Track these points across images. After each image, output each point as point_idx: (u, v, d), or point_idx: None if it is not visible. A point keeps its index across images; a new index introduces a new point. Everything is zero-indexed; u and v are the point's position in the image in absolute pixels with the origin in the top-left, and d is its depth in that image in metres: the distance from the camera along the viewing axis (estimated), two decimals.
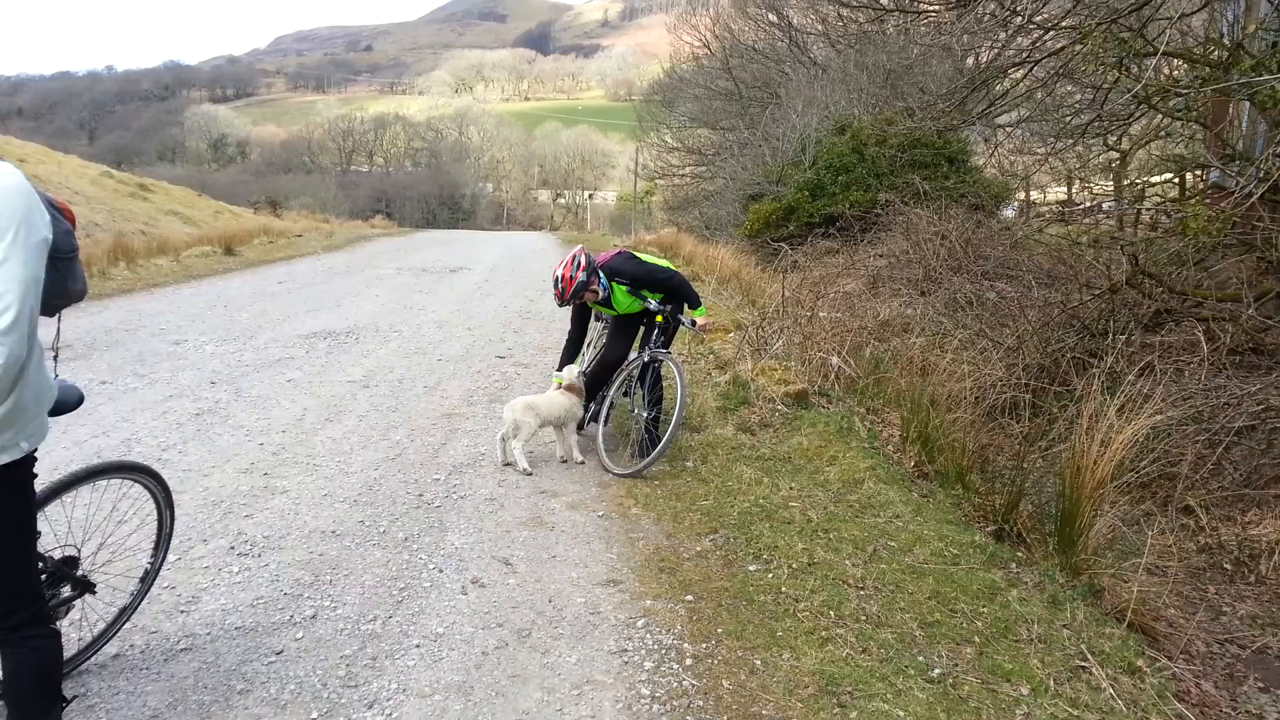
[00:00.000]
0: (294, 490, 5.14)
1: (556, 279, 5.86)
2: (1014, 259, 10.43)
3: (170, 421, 6.35)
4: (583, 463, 5.84)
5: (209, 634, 3.52)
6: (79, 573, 3.12)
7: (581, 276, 5.79)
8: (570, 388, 5.92)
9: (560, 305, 6.02)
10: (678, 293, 6.05)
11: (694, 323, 6.05)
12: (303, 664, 3.32)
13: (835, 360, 7.43)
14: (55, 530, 3.06)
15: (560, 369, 6.19)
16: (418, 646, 3.48)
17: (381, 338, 9.83)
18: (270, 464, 5.57)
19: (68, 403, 2.85)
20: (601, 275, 5.91)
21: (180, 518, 4.61)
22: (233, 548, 4.32)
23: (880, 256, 12.18)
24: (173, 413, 6.58)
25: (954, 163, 15.11)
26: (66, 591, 3.06)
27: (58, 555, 3.04)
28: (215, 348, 8.99)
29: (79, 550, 3.19)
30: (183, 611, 3.69)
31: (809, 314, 8.41)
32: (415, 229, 41.52)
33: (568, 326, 6.50)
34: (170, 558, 4.16)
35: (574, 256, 5.89)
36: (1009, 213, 16.06)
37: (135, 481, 3.42)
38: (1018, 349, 7.65)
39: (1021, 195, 17.91)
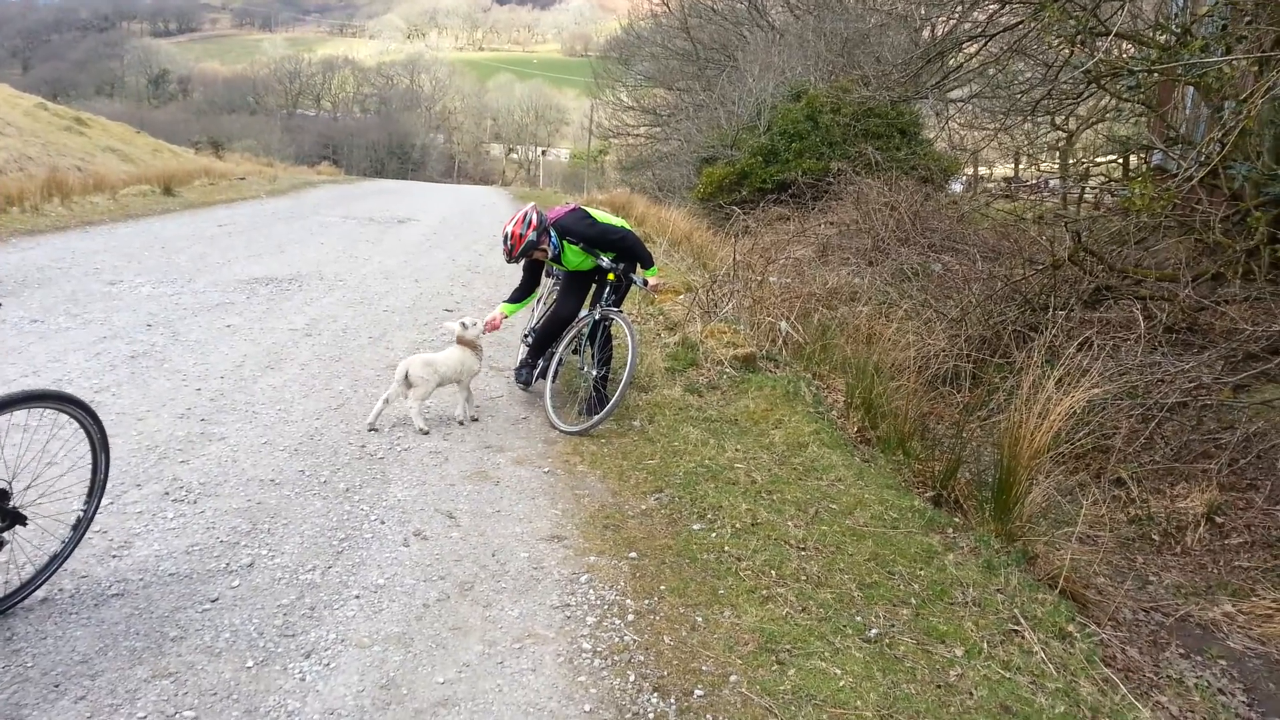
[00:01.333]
0: (232, 437, 5.03)
1: (506, 235, 5.77)
2: (960, 232, 10.60)
3: (104, 363, 6.15)
4: (476, 420, 5.75)
5: (142, 580, 3.43)
6: (9, 505, 3.02)
7: (531, 236, 5.70)
8: (468, 342, 5.77)
9: (509, 262, 5.94)
10: (631, 252, 5.99)
11: (645, 282, 6.01)
12: (238, 612, 3.27)
13: (784, 325, 7.48)
14: None
15: (509, 300, 6.15)
16: (357, 597, 3.45)
17: (325, 286, 9.62)
18: (208, 410, 5.43)
19: None
20: (553, 233, 5.83)
21: (114, 461, 4.46)
22: (167, 493, 4.22)
23: (831, 225, 12.26)
24: (107, 354, 6.37)
25: (906, 134, 15.22)
26: None
27: None
28: (152, 289, 8.71)
29: (9, 485, 3.08)
30: (114, 557, 3.59)
31: (759, 279, 8.43)
32: (363, 178, 40.61)
33: (517, 282, 6.40)
34: (104, 501, 4.05)
35: (525, 214, 5.79)
36: (957, 187, 16.27)
37: (68, 415, 3.30)
38: (961, 320, 7.79)
39: (970, 170, 18.14)
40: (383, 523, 4.13)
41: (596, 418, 5.55)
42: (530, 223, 5.72)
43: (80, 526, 3.43)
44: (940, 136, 16.38)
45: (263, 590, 3.44)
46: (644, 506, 4.53)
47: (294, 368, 6.47)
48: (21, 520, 3.07)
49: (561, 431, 5.56)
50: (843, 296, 8.86)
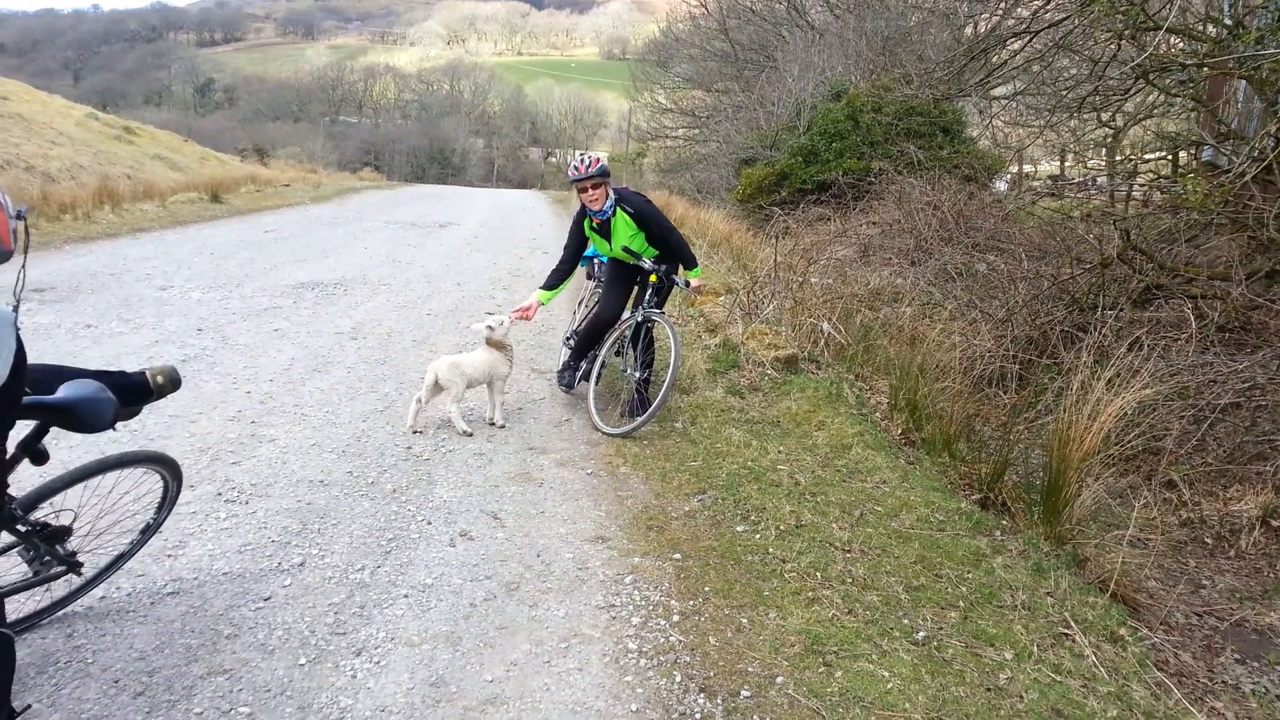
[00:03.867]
0: (282, 439, 5.12)
1: (582, 159, 5.82)
2: (1005, 231, 10.44)
3: None
4: (503, 426, 5.66)
5: (196, 579, 3.51)
6: (70, 550, 3.06)
7: (604, 167, 5.72)
8: (497, 343, 5.71)
9: (576, 180, 5.77)
10: (676, 250, 5.95)
11: (688, 283, 5.99)
12: (291, 610, 3.33)
13: (825, 326, 7.44)
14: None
15: (545, 286, 6.02)
16: (406, 596, 3.49)
17: (370, 290, 9.76)
18: (258, 412, 5.54)
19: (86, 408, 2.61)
20: (612, 194, 5.82)
21: None
22: (220, 494, 4.31)
23: (872, 225, 12.16)
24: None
25: (949, 133, 15.02)
26: (51, 563, 3.00)
27: (54, 521, 2.99)
28: (202, 295, 8.90)
29: (73, 522, 3.10)
30: (170, 556, 3.68)
31: (800, 280, 8.39)
32: (404, 183, 41.12)
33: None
34: None
35: (596, 158, 5.87)
36: (1001, 185, 16.04)
37: (157, 473, 3.36)
38: (1007, 321, 7.67)
39: (1014, 168, 17.86)
40: (429, 523, 4.17)
41: (639, 420, 5.56)
42: (601, 162, 5.77)
43: (148, 531, 3.49)
44: (984, 134, 16.13)
45: (314, 589, 3.50)
46: (687, 508, 4.53)
47: (340, 371, 6.57)
48: (77, 569, 3.12)
49: (604, 434, 5.58)
50: (885, 297, 8.78)
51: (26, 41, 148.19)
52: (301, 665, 2.98)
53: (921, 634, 3.42)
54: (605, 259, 6.37)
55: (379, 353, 7.15)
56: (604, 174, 5.70)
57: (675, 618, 3.45)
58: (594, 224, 5.91)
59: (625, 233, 5.86)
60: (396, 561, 3.77)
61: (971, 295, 8.54)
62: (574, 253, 6.09)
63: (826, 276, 9.18)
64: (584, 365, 6.27)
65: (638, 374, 5.92)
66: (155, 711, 2.70)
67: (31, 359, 2.44)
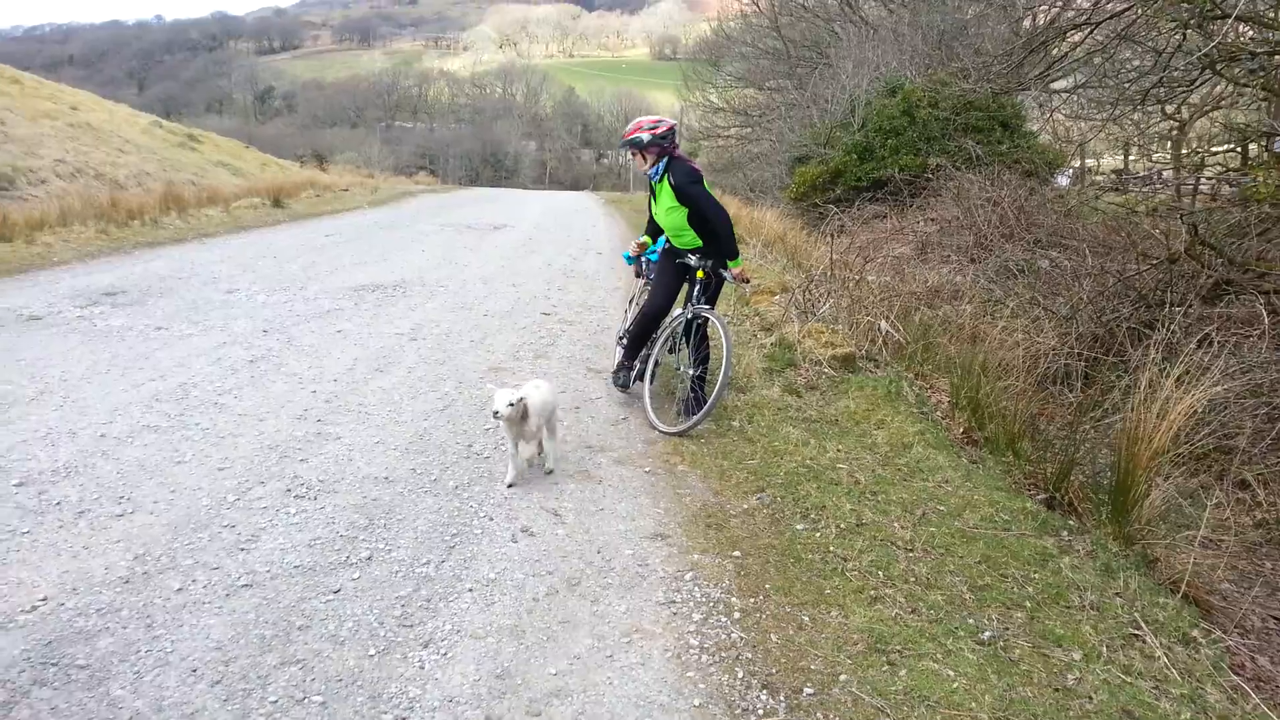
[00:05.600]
0: (347, 437, 5.23)
1: (634, 123, 5.92)
2: (1068, 227, 10.22)
3: (226, 368, 6.48)
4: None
5: (269, 572, 3.61)
6: None
7: (648, 137, 5.73)
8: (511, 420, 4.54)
9: (644, 143, 5.76)
10: (721, 237, 5.81)
11: (735, 276, 5.95)
12: (360, 603, 3.40)
13: (883, 325, 7.36)
14: None
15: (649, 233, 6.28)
16: (470, 591, 3.55)
17: (428, 292, 9.90)
18: (323, 411, 5.66)
19: None
20: (663, 161, 5.82)
21: (238, 460, 4.75)
22: (289, 490, 4.42)
23: (930, 222, 12.00)
24: (227, 359, 6.70)
25: (1008, 127, 14.76)
26: None
27: None
28: (266, 297, 9.12)
29: None
30: (243, 550, 3.78)
31: (857, 278, 8.32)
32: (458, 186, 41.62)
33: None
34: (229, 498, 4.29)
35: (657, 119, 5.93)
36: (1063, 180, 15.69)
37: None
38: (1071, 318, 7.52)
39: (1076, 163, 17.48)
40: (491, 519, 4.23)
41: (695, 418, 5.56)
42: (656, 127, 5.80)
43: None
44: (1044, 129, 15.82)
45: (381, 582, 3.57)
46: (746, 506, 4.53)
47: (401, 371, 6.69)
48: None
49: (661, 432, 5.59)
50: (945, 295, 8.66)
51: (94, 53, 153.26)
52: (371, 656, 3.05)
53: (987, 634, 3.38)
54: (655, 258, 6.38)
55: (438, 353, 7.26)
56: (635, 144, 5.79)
57: (736, 615, 3.46)
58: (651, 183, 6.06)
59: (665, 203, 5.88)
60: (460, 556, 3.84)
61: (1034, 292, 8.38)
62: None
63: (884, 274, 9.09)
64: (638, 365, 6.29)
65: (691, 372, 5.92)
66: (232, 699, 2.78)
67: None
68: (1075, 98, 14.32)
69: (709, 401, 5.56)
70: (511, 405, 4.42)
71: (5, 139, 16.75)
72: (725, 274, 5.93)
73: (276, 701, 2.78)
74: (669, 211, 5.86)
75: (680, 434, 5.54)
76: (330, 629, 3.22)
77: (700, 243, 5.95)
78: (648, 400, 5.90)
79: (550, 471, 4.88)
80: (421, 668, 3.00)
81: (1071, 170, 16.73)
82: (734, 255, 5.88)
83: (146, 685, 2.83)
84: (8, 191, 14.88)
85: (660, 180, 5.85)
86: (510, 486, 4.64)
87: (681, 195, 5.78)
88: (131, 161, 20.23)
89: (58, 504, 4.12)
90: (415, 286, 10.17)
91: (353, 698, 2.81)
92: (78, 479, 4.41)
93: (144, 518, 4.03)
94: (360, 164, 47.76)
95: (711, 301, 6.06)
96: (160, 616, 3.24)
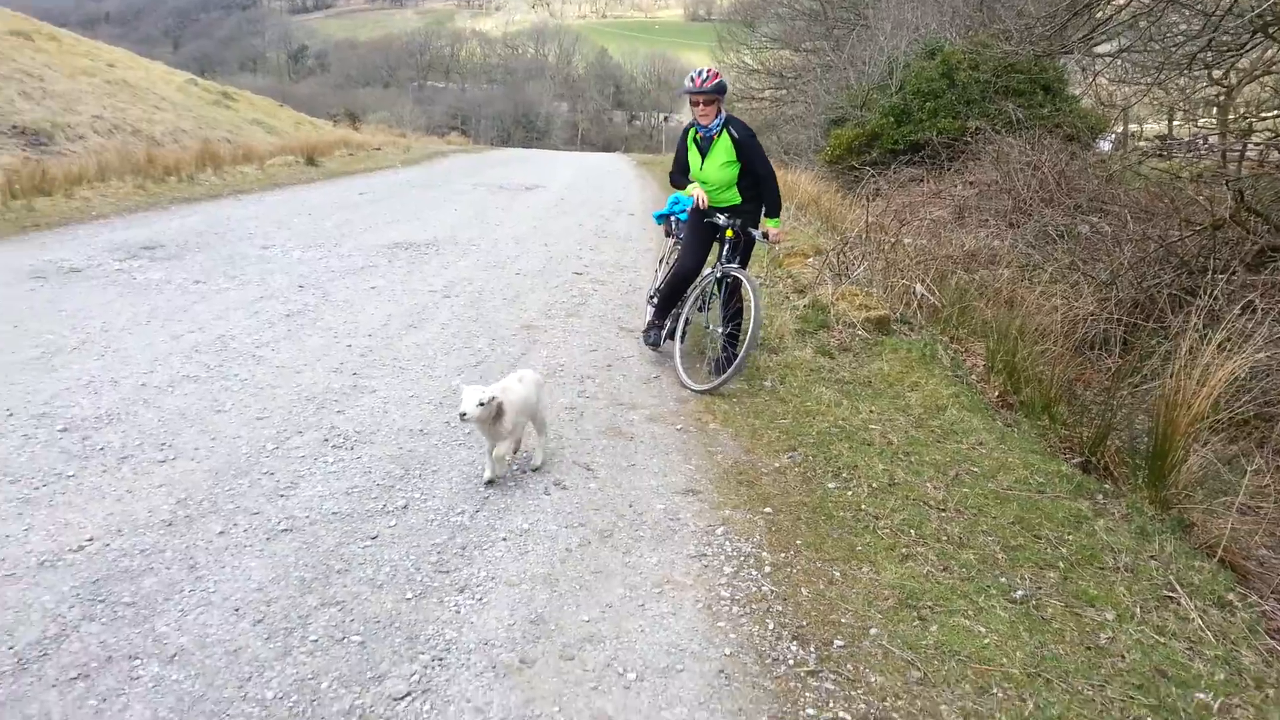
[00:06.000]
0: (382, 390, 5.29)
1: (700, 71, 5.76)
2: (1109, 192, 10.01)
3: (263, 321, 6.56)
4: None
5: (308, 518, 3.68)
6: None
7: (715, 86, 5.62)
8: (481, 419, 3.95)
9: (689, 92, 5.67)
10: (767, 191, 5.81)
11: (765, 234, 5.87)
12: (396, 549, 3.46)
13: (919, 288, 7.29)
14: None
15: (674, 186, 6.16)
16: (504, 540, 3.59)
17: (460, 250, 9.93)
18: (358, 365, 5.72)
19: None
20: (723, 113, 5.76)
21: (276, 410, 4.82)
22: (327, 440, 4.48)
23: (968, 185, 11.80)
24: (264, 313, 6.78)
25: (1049, 91, 14.42)
26: None
27: None
28: (302, 253, 9.19)
29: None
30: (282, 496, 3.85)
31: (892, 241, 8.22)
32: (489, 146, 41.53)
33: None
34: (268, 446, 4.36)
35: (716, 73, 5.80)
36: (1105, 145, 15.35)
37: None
38: (1111, 284, 7.40)
39: (1119, 127, 17.07)
40: (524, 472, 4.27)
41: (724, 376, 5.56)
42: (719, 76, 5.72)
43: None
44: (1087, 92, 15.44)
45: (417, 530, 3.63)
46: (777, 464, 4.54)
47: (435, 327, 6.73)
48: None
49: (691, 390, 5.60)
50: (982, 259, 8.55)
51: (130, 10, 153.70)
52: (408, 599, 3.11)
53: (1019, 592, 3.37)
54: (684, 216, 6.33)
55: (471, 310, 7.29)
56: (720, 90, 5.65)
57: (767, 569, 3.48)
58: (698, 137, 5.87)
59: (721, 158, 5.76)
60: (494, 507, 3.88)
61: (1073, 258, 8.25)
62: (683, 165, 6.07)
63: (920, 238, 8.98)
64: (669, 323, 6.28)
65: (722, 330, 5.90)
66: (274, 637, 2.85)
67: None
68: (1119, 61, 13.96)
69: (737, 359, 5.55)
70: (482, 405, 3.84)
71: (44, 95, 16.89)
72: (754, 233, 5.87)
73: (317, 640, 2.84)
74: (723, 166, 5.77)
75: (709, 392, 5.54)
76: (368, 573, 3.28)
77: (738, 200, 5.89)
78: (678, 358, 5.90)
79: (538, 468, 4.33)
80: (458, 612, 3.05)
81: (1114, 135, 16.36)
82: (777, 211, 5.90)
83: (191, 622, 2.91)
84: (47, 147, 15.03)
85: (720, 133, 5.73)
86: (489, 484, 4.13)
87: (742, 150, 5.71)
88: (167, 118, 20.33)
89: (101, 449, 4.21)
90: (448, 245, 10.20)
91: (391, 638, 2.87)
92: (120, 426, 4.50)
93: (185, 464, 4.11)
94: (393, 123, 47.72)
95: (744, 261, 6.01)
96: (203, 558, 3.32)
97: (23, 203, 10.76)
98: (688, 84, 5.70)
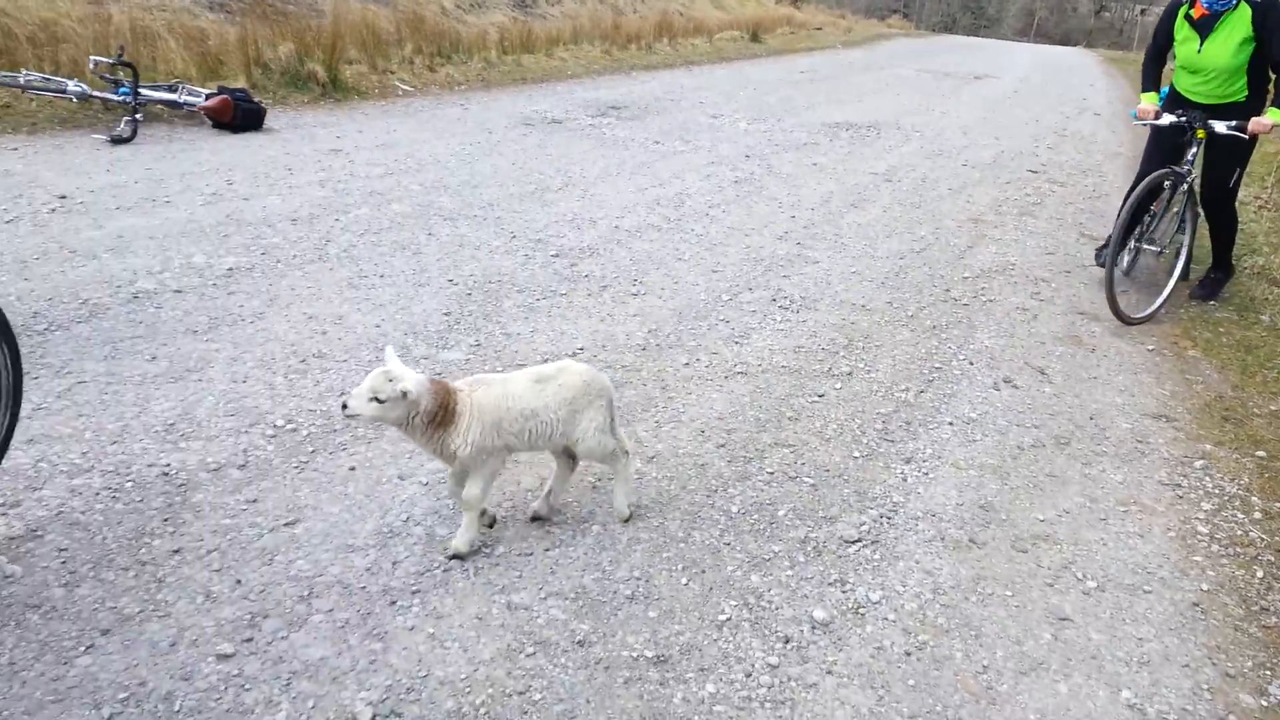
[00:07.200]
0: (824, 262, 5.35)
1: None
2: None
3: (714, 184, 6.89)
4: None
5: (760, 365, 3.87)
6: None
7: None
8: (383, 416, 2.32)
9: None
10: None
11: (1241, 129, 4.53)
12: (842, 410, 3.53)
13: None
14: None
15: (1144, 90, 5.01)
16: (950, 424, 3.51)
17: (902, 136, 9.60)
18: (801, 235, 5.82)
19: None
20: None
21: (728, 266, 5.09)
22: (774, 300, 4.65)
23: None
24: (715, 177, 7.12)
25: None
26: None
27: None
28: (747, 125, 9.46)
29: None
30: (737, 343, 4.08)
31: None
32: (932, 32, 39.23)
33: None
34: (723, 297, 4.62)
35: None
36: None
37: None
38: None
39: None
40: (971, 364, 4.11)
41: (1151, 308, 4.82)
42: None
43: None
44: None
45: (862, 397, 3.67)
46: (1274, 407, 3.91)
47: (876, 209, 6.62)
48: None
49: (1126, 321, 4.77)
50: None
51: None
52: (855, 458, 3.17)
53: None
54: (1180, 116, 5.07)
55: (913, 197, 7.06)
56: None
57: (1257, 515, 3.05)
58: (1193, 14, 4.69)
59: (1237, 34, 4.54)
60: (939, 392, 3.80)
61: None
62: (1158, 48, 5.01)
63: None
64: (1131, 242, 5.21)
65: (1155, 248, 5.06)
66: (735, 462, 3.07)
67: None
68: None
69: (1164, 291, 4.78)
70: (378, 401, 2.23)
71: None
72: (1225, 129, 4.56)
73: (773, 474, 3.01)
74: (1237, 48, 4.57)
75: (1141, 321, 4.78)
76: (816, 426, 3.39)
77: (1243, 95, 4.72)
78: (1113, 280, 4.80)
79: (627, 520, 2.66)
80: (904, 480, 3.05)
81: None
82: None
83: (664, 433, 3.22)
84: (530, 10, 16.75)
85: (1235, 6, 4.53)
86: (454, 558, 2.43)
87: (1267, 19, 4.46)
88: None
89: (585, 276, 4.74)
90: (890, 129, 9.90)
91: (840, 489, 2.96)
92: (599, 259, 5.02)
93: (653, 300, 4.50)
94: (833, 4, 46.65)
95: (1226, 172, 4.85)
96: (672, 382, 3.64)
97: (513, 58, 12.17)
98: None
